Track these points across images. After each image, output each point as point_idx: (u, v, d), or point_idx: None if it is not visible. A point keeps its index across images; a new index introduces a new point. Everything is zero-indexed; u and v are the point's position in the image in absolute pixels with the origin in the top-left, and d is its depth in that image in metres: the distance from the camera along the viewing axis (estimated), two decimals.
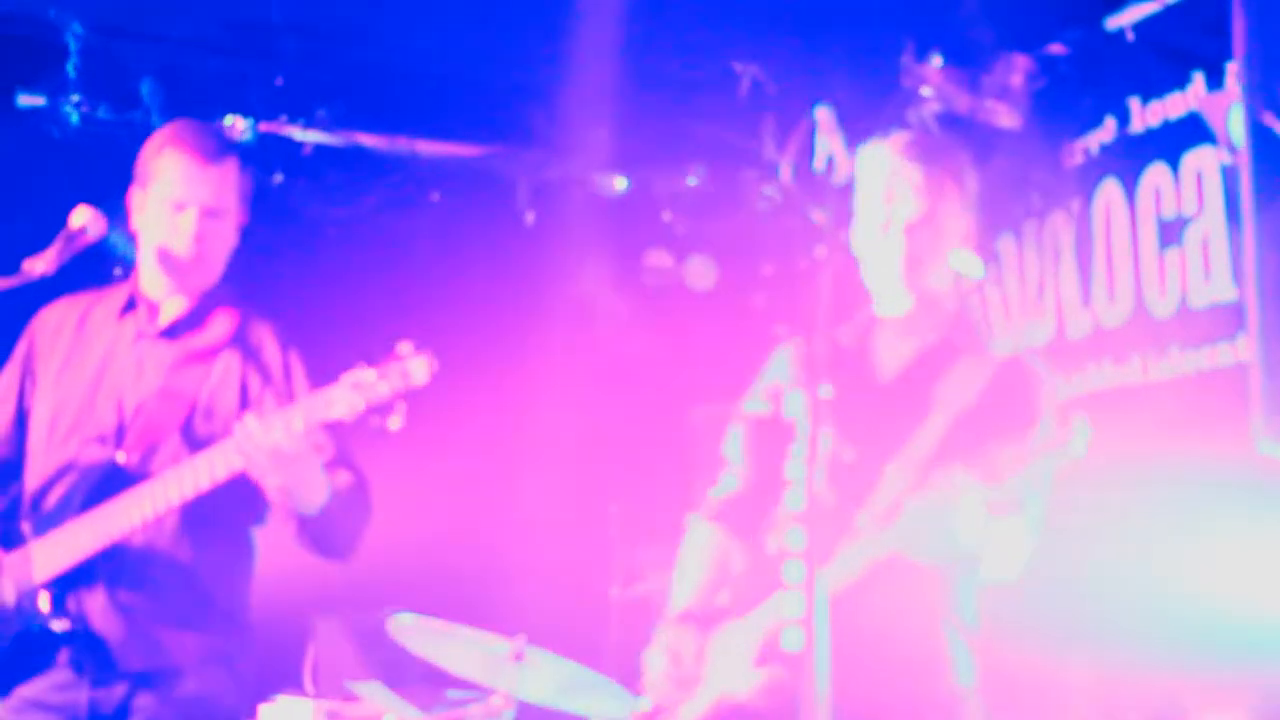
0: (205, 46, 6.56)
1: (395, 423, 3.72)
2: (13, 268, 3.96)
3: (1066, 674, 5.60)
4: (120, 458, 3.97)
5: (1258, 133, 4.81)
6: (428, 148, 7.18)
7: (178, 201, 4.05)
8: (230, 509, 3.99)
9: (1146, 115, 5.79)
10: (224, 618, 4.06)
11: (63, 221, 4.01)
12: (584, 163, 7.32)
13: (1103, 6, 5.81)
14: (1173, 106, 5.67)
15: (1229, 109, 5.25)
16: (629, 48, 6.33)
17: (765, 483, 4.03)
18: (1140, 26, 5.71)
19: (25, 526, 4.01)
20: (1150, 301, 5.74)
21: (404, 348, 3.73)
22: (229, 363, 4.10)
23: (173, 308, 4.15)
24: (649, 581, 6.64)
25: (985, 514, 3.60)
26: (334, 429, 3.87)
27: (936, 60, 5.95)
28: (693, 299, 7.65)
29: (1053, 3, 5.94)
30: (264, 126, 6.76)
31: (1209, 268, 5.48)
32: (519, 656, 4.63)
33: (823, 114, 3.38)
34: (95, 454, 4.00)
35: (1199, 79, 5.52)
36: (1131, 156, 5.84)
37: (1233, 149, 5.23)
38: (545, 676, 4.76)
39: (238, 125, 6.63)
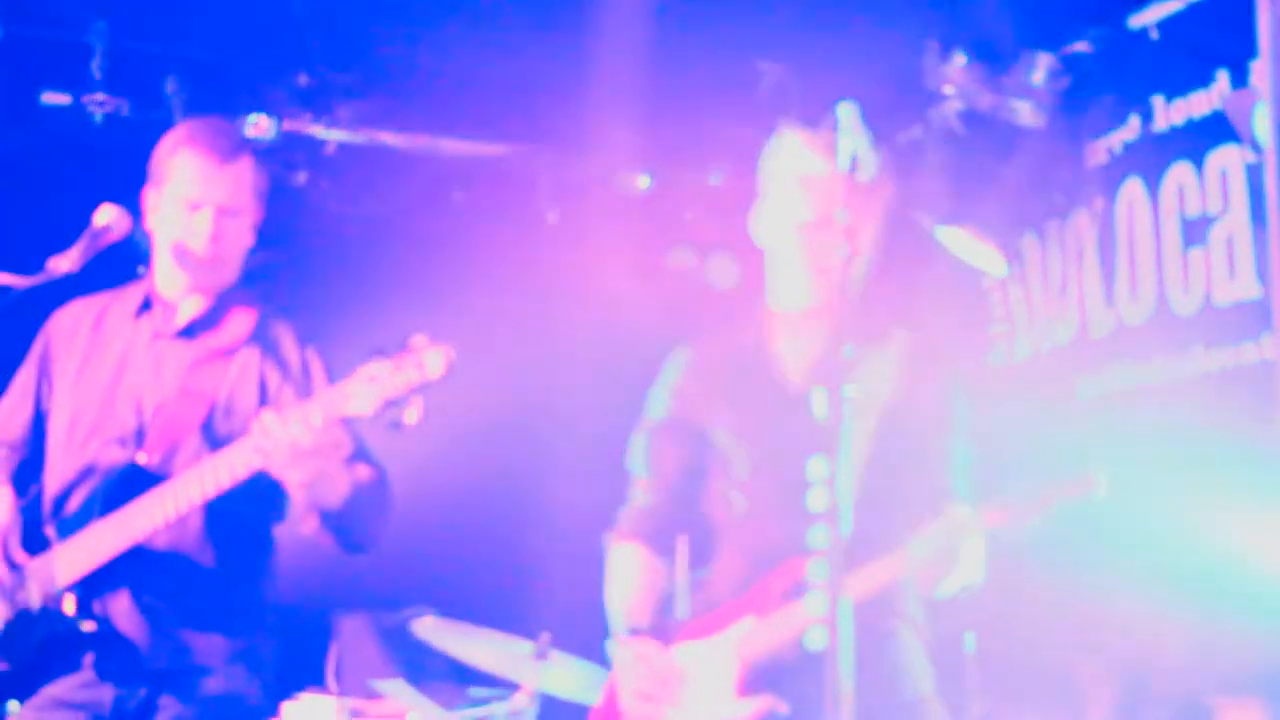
0: (228, 45, 6.56)
1: (412, 416, 3.63)
2: (37, 266, 3.96)
3: (1083, 672, 5.59)
4: (141, 459, 3.96)
5: None
6: (450, 146, 7.18)
7: (193, 201, 4.03)
8: (251, 507, 3.98)
9: (1170, 113, 5.77)
10: (247, 616, 4.05)
11: (87, 220, 4.02)
12: (607, 161, 7.31)
13: (1126, 5, 5.78)
14: (1196, 105, 5.64)
15: (1253, 107, 5.23)
16: (652, 47, 6.33)
17: (677, 493, 4.01)
18: (1164, 24, 5.69)
19: (49, 531, 4.01)
20: (1174, 300, 5.72)
21: (419, 340, 3.64)
22: (247, 361, 4.08)
23: (190, 307, 4.14)
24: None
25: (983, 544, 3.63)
26: (353, 424, 3.83)
27: (959, 59, 5.93)
28: (715, 298, 7.64)
29: (1076, 1, 5.92)
30: (287, 125, 6.77)
31: (1233, 266, 5.46)
32: (543, 655, 4.64)
33: (845, 112, 3.37)
34: (116, 455, 4.00)
35: (1223, 77, 5.50)
36: (1155, 155, 5.82)
37: (1257, 147, 5.20)
38: (568, 675, 4.77)
39: (261, 124, 6.64)
